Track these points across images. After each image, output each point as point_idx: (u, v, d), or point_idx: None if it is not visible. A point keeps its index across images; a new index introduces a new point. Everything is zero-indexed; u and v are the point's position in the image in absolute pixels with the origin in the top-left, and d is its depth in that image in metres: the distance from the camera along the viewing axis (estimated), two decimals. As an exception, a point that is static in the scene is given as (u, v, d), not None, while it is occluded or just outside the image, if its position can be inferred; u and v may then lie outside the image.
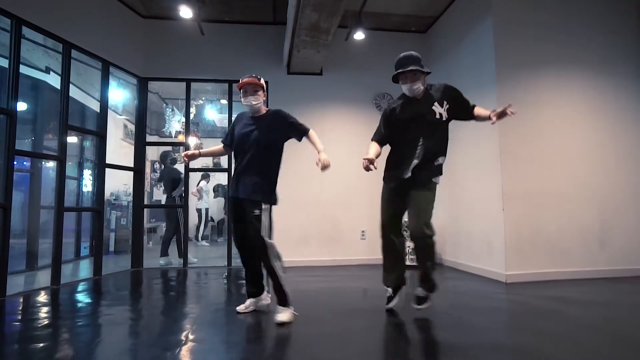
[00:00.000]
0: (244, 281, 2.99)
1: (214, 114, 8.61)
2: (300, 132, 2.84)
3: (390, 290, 2.84)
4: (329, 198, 5.40)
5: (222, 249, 6.11)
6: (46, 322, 2.78)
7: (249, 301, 2.89)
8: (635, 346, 2.16)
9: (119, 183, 6.99)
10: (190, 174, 5.68)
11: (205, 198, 8.64)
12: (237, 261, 5.17)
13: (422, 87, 2.62)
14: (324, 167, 2.60)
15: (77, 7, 4.39)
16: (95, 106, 5.20)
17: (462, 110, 2.69)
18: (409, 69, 2.55)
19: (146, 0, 5.09)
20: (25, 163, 5.28)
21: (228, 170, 5.31)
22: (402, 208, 2.70)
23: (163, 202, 5.54)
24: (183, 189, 5.43)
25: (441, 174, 2.65)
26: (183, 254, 5.28)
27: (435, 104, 2.60)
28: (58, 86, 4.27)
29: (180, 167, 5.95)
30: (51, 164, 5.23)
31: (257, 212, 2.62)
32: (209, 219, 9.11)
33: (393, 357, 2.09)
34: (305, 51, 4.84)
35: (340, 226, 5.41)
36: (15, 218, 3.82)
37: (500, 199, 3.99)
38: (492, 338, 2.32)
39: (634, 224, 4.24)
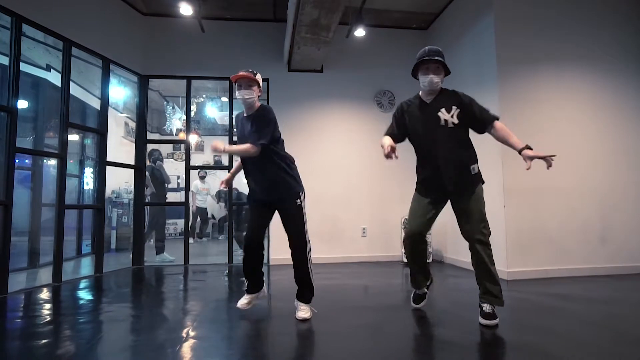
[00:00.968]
0: (244, 278, 2.97)
1: (215, 111, 8.61)
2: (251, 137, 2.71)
3: (418, 290, 2.80)
4: (330, 195, 5.40)
5: (224, 246, 6.11)
6: (48, 319, 2.79)
7: (249, 297, 2.84)
8: (636, 343, 2.16)
9: (120, 181, 6.99)
10: (192, 171, 5.69)
11: (201, 197, 8.54)
12: (237, 259, 5.19)
13: (440, 84, 2.50)
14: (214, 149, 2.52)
15: (78, 5, 4.38)
16: (96, 104, 5.20)
17: (473, 120, 2.48)
18: (435, 58, 2.45)
19: (146, -2, 5.08)
20: (26, 161, 5.29)
21: (229, 167, 5.31)
22: (434, 217, 2.60)
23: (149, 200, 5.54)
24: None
25: (482, 182, 2.54)
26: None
27: (443, 110, 2.47)
28: (59, 84, 4.26)
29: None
30: (52, 162, 5.23)
31: (298, 202, 2.67)
32: (210, 216, 9.11)
33: (395, 354, 2.09)
34: (306, 48, 4.83)
35: (341, 224, 5.41)
36: (16, 216, 3.82)
37: (502, 196, 3.99)
38: (493, 335, 2.31)
39: (635, 220, 4.23)
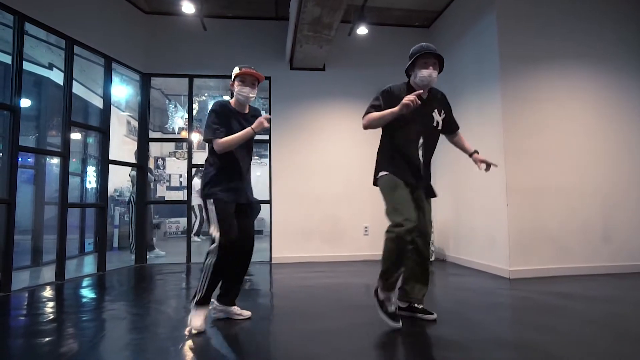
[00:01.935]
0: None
1: (217, 110, 8.59)
2: None
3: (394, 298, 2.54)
4: (332, 194, 5.40)
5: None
6: (51, 317, 2.80)
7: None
8: (637, 341, 2.15)
9: (122, 179, 7.01)
10: (194, 169, 5.69)
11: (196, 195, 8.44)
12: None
13: (435, 82, 2.47)
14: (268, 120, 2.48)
15: (80, 3, 4.39)
16: (98, 103, 5.21)
17: (448, 124, 2.60)
18: (436, 53, 2.42)
19: (148, -4, 5.08)
20: (29, 159, 5.31)
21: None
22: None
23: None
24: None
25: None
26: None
27: (435, 111, 2.50)
28: (61, 82, 4.28)
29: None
30: (55, 160, 5.25)
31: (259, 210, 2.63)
32: None
33: (396, 353, 2.10)
34: (308, 46, 4.82)
35: (343, 222, 5.41)
36: (19, 214, 3.84)
37: (504, 195, 3.98)
38: (495, 334, 2.32)
39: (637, 219, 4.22)
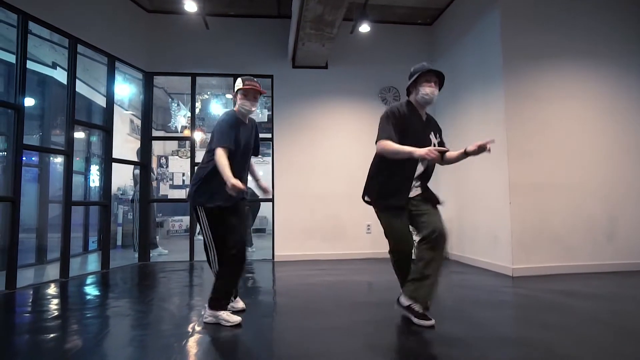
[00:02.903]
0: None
1: (220, 108, 8.61)
2: (259, 149, 2.84)
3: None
4: (334, 192, 5.40)
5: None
6: (55, 314, 2.82)
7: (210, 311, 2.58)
8: (641, 339, 2.15)
9: (125, 178, 7.04)
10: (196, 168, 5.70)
11: None
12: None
13: (436, 100, 2.48)
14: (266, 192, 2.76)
15: (83, 3, 4.41)
16: (101, 101, 5.23)
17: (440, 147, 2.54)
18: (439, 71, 2.41)
19: (151, -5, 5.09)
20: (33, 158, 5.34)
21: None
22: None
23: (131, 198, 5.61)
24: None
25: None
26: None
27: (432, 134, 2.52)
28: (65, 81, 4.29)
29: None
30: (59, 159, 5.28)
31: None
32: None
33: (399, 350, 2.10)
34: (310, 44, 4.82)
35: (346, 220, 5.41)
36: (24, 212, 3.86)
37: (507, 193, 3.97)
38: (498, 331, 2.32)
39: (642, 217, 4.20)
